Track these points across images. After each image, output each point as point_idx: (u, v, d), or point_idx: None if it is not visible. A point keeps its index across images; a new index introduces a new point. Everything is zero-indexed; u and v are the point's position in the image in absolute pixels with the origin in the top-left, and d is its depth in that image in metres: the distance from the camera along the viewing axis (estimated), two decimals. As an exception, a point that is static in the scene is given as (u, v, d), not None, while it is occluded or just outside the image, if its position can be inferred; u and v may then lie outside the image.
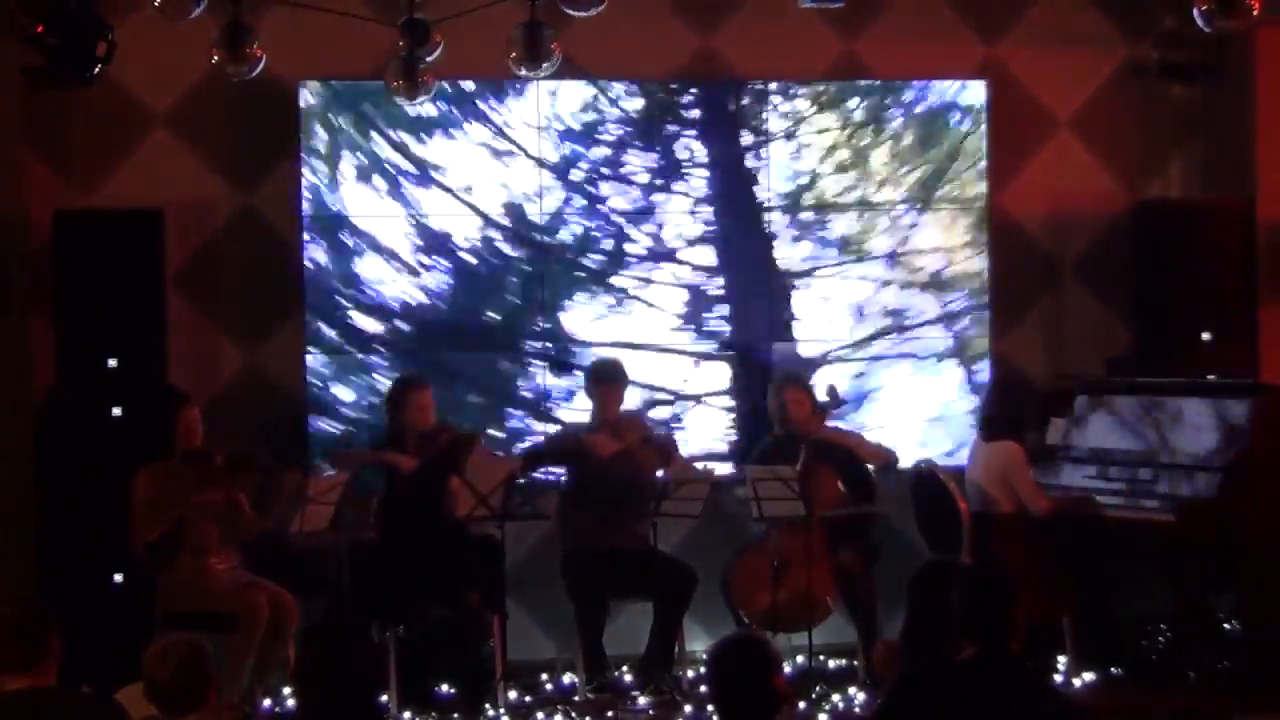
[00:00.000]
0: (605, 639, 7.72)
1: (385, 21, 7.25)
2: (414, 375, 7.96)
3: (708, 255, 8.50)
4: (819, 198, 8.54)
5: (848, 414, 8.36)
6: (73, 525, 7.58)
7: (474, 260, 8.31)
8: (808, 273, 8.55)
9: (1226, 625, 8.08)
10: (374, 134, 8.17)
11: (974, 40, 8.87)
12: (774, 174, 8.52)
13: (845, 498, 7.85)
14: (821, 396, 7.96)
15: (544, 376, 8.36)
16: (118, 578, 7.56)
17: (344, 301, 8.19)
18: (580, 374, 8.22)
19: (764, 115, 8.50)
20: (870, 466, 8.02)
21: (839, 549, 7.80)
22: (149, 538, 7.21)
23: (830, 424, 8.01)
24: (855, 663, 8.00)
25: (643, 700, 7.56)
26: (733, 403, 8.49)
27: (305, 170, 8.12)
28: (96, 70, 7.68)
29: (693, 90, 8.50)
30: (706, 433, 8.48)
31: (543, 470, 8.00)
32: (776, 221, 8.51)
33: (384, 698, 7.26)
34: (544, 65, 6.46)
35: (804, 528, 7.55)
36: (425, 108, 7.93)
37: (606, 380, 8.00)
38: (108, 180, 8.15)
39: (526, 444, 8.22)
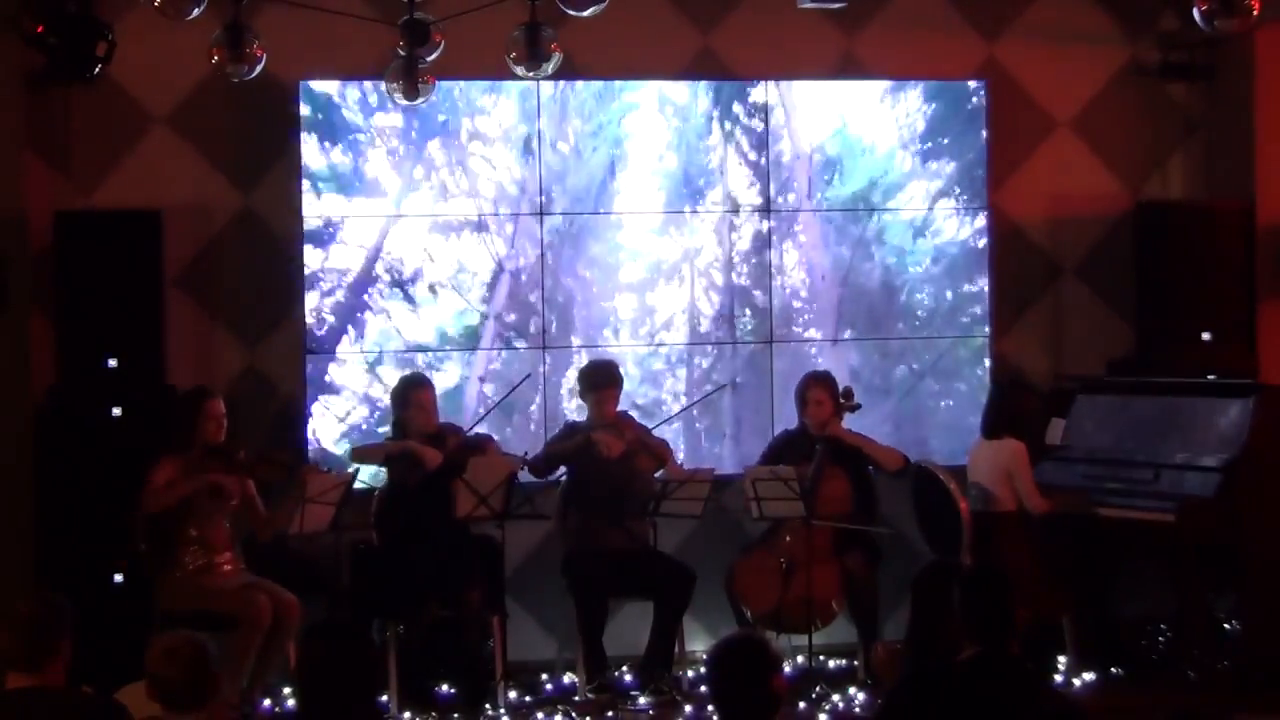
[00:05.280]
0: (605, 639, 7.71)
1: (385, 21, 7.24)
2: (416, 375, 7.95)
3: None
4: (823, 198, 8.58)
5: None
6: (72, 525, 7.58)
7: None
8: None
9: (1226, 625, 8.08)
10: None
11: (974, 40, 8.87)
12: (776, 174, 8.54)
13: (853, 502, 7.84)
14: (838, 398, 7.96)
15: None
16: (118, 578, 7.56)
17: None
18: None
19: (768, 114, 8.52)
20: (875, 470, 8.00)
21: (846, 551, 7.79)
22: (154, 509, 7.18)
23: (844, 425, 7.99)
24: (855, 663, 8.00)
25: (643, 700, 7.56)
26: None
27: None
28: (96, 70, 7.70)
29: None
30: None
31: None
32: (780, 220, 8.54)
33: (384, 698, 7.26)
34: (544, 65, 6.46)
35: (812, 529, 7.54)
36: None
37: (602, 383, 7.95)
38: (108, 180, 8.14)
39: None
